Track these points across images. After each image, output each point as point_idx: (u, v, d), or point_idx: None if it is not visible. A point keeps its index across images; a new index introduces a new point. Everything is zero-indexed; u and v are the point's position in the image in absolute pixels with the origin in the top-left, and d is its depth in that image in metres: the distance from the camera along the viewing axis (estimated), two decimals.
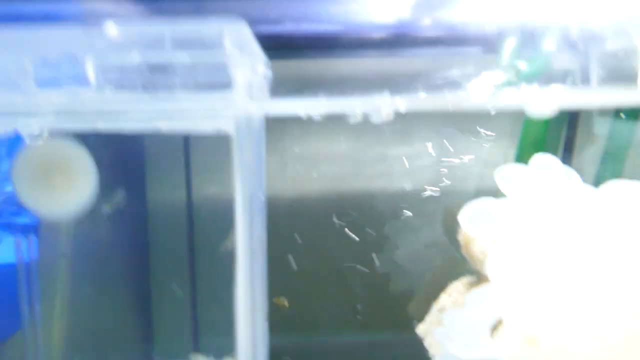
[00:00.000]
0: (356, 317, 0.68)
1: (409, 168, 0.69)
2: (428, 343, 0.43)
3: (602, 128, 0.50)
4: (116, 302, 0.64)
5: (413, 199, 0.69)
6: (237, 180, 0.21)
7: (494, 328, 0.32)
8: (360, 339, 0.70)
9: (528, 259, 0.31)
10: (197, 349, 0.62)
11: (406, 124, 0.68)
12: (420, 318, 0.46)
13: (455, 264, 0.52)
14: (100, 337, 0.59)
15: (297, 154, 0.70)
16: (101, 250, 0.63)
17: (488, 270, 0.32)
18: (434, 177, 0.69)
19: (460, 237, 0.48)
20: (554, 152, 0.41)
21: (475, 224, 0.33)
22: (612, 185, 0.31)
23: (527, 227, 0.32)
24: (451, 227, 0.50)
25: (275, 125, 0.69)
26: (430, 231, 0.66)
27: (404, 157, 0.69)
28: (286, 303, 0.62)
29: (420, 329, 0.48)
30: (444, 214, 0.63)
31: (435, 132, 0.67)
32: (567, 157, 0.53)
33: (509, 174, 0.34)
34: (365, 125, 0.70)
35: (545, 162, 0.34)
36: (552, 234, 0.31)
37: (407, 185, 0.70)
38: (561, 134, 0.54)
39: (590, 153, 0.52)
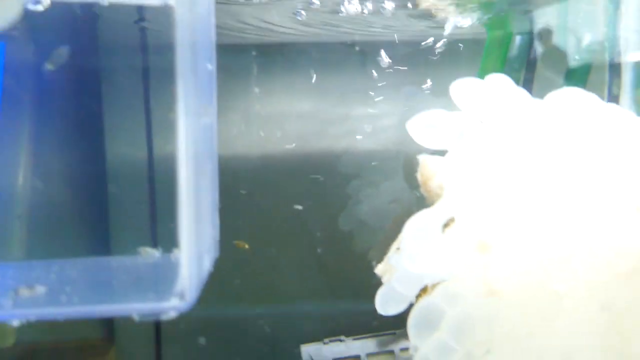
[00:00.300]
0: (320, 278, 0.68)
1: (371, 127, 0.69)
2: (386, 280, 0.43)
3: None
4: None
5: (376, 157, 0.69)
6: (179, 49, 0.20)
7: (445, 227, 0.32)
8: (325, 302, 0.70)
9: (481, 167, 0.32)
10: (154, 241, 0.60)
11: (369, 82, 0.68)
12: (380, 261, 0.46)
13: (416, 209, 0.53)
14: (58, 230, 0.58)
15: (260, 114, 0.70)
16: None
17: (444, 175, 0.32)
18: (397, 136, 0.69)
19: (419, 176, 0.49)
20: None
21: (424, 134, 0.33)
22: (557, 93, 0.32)
23: (479, 137, 0.32)
24: (411, 171, 0.50)
25: (238, 83, 0.69)
26: (392, 188, 0.67)
27: (367, 117, 0.69)
28: (247, 245, 0.61)
29: (379, 269, 0.48)
30: (404, 161, 0.63)
31: (397, 91, 0.67)
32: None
33: (462, 87, 0.34)
34: (329, 84, 0.70)
35: (497, 79, 0.35)
36: (504, 143, 0.32)
37: (371, 145, 0.70)
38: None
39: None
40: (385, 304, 0.37)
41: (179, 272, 0.22)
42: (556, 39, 0.55)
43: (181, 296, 0.21)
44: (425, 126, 0.33)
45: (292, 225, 0.68)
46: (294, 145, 0.70)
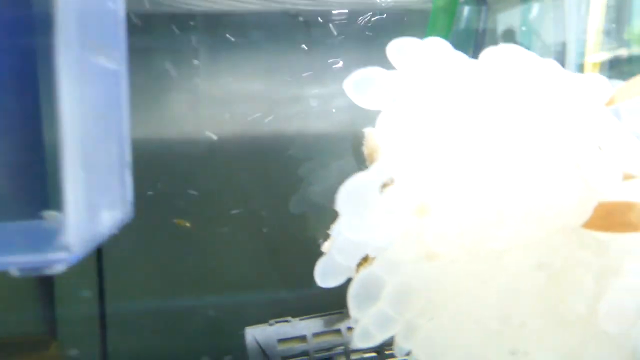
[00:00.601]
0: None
1: (323, 108, 0.68)
2: None
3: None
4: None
5: (327, 139, 0.68)
6: None
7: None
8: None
9: (417, 125, 0.30)
10: None
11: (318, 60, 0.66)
12: (327, 239, 0.45)
13: None
14: None
15: (208, 94, 0.67)
16: None
17: (379, 133, 0.31)
18: (348, 117, 0.68)
19: (365, 149, 0.48)
20: None
21: (360, 92, 0.32)
22: (492, 50, 0.31)
23: (415, 95, 0.31)
24: (359, 146, 0.49)
25: (185, 63, 0.66)
26: (345, 168, 0.66)
27: (318, 98, 0.68)
28: (187, 224, 0.59)
29: (325, 247, 0.47)
30: (352, 137, 0.62)
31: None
32: None
33: (399, 46, 0.33)
34: (279, 64, 0.68)
35: (435, 41, 0.34)
36: (439, 100, 0.31)
37: (322, 126, 0.69)
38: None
39: None
40: (325, 276, 0.36)
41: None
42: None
43: (66, 248, 0.18)
44: (361, 83, 0.32)
45: (242, 208, 0.66)
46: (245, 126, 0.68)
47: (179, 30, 0.66)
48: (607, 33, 0.55)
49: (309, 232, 0.64)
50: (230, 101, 0.68)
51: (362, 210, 0.31)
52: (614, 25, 0.55)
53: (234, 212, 0.65)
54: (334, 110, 0.67)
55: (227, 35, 0.66)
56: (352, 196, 0.31)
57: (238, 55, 0.67)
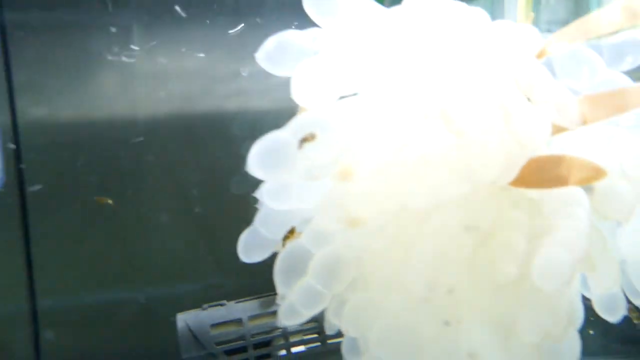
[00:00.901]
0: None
1: (263, 85, 0.65)
2: None
3: None
4: None
5: (269, 116, 0.65)
6: None
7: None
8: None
9: (335, 80, 0.28)
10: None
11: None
12: None
13: None
14: None
15: (142, 72, 0.63)
16: None
17: (294, 90, 0.28)
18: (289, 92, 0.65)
19: None
20: None
21: (275, 61, 0.29)
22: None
23: (333, 49, 0.29)
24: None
25: (116, 38, 0.62)
26: None
27: (257, 74, 0.65)
28: (110, 201, 0.55)
29: None
30: (292, 114, 0.60)
31: None
32: None
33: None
34: (217, 38, 0.65)
35: None
36: (360, 52, 0.28)
37: (263, 104, 0.66)
38: None
39: None
40: (248, 250, 0.33)
41: None
42: None
43: None
44: (274, 52, 0.29)
45: (180, 191, 0.63)
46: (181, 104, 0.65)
47: (110, 3, 0.62)
48: (566, 24, 0.54)
49: (250, 213, 0.61)
50: (166, 79, 0.64)
51: (277, 173, 0.28)
52: (572, 16, 0.54)
53: (172, 194, 0.62)
54: (275, 86, 0.65)
55: (162, 10, 0.62)
56: (265, 157, 0.28)
57: (173, 31, 0.63)
